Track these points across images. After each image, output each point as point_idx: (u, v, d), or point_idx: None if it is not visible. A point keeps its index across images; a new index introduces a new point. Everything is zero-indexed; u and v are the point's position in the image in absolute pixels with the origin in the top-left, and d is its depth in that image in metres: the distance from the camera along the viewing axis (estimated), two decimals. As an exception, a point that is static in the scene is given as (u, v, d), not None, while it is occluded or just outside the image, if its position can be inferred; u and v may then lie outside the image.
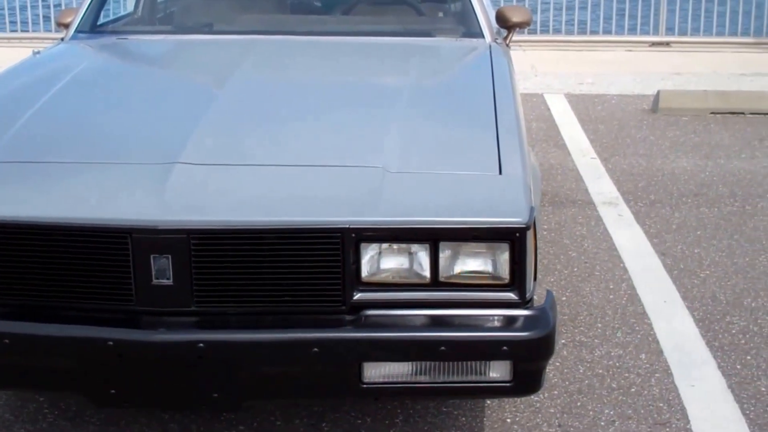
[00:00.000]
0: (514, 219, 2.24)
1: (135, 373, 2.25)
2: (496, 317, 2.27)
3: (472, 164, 2.46)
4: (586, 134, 6.11)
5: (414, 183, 2.36)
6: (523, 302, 2.29)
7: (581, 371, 3.16)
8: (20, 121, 2.68)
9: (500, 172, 2.40)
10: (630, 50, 9.05)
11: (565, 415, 2.90)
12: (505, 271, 2.27)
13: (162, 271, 2.23)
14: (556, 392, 3.02)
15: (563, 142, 5.93)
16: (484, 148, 2.51)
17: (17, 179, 2.44)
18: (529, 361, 2.27)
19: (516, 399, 2.95)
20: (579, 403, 2.97)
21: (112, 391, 2.28)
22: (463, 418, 2.87)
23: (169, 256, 2.22)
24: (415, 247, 2.27)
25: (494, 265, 2.28)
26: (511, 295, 2.28)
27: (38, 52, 3.48)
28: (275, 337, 2.22)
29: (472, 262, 2.28)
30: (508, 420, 2.87)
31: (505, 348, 2.23)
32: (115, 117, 2.80)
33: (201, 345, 2.20)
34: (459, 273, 2.29)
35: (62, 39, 3.70)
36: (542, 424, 2.85)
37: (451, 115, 2.83)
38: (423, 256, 2.27)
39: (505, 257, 2.26)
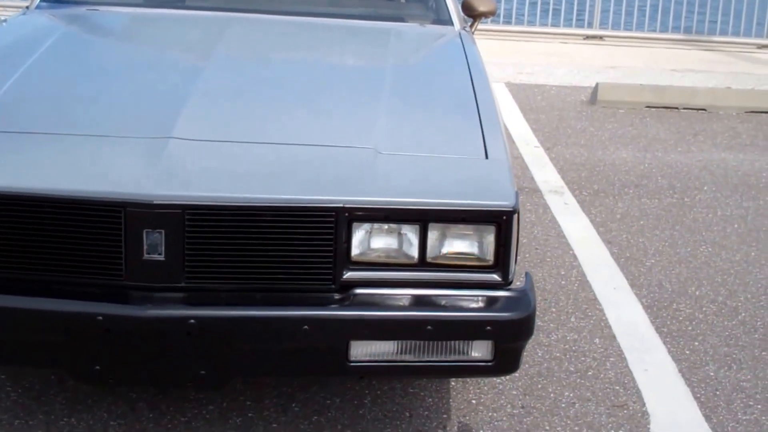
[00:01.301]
0: (501, 202, 2.31)
1: (122, 349, 2.24)
2: (480, 298, 2.33)
3: (459, 148, 2.51)
4: (528, 123, 6.24)
5: (405, 165, 2.41)
6: (506, 284, 2.36)
7: (540, 355, 3.25)
8: (0, 91, 2.61)
9: (486, 157, 2.46)
10: (565, 42, 9.23)
11: (527, 397, 2.99)
12: (490, 253, 2.34)
13: (154, 246, 2.22)
14: (517, 375, 3.10)
15: (507, 131, 6.04)
16: (469, 133, 2.57)
17: (4, 149, 2.38)
18: (511, 341, 2.34)
19: (480, 381, 3.03)
20: (540, 386, 3.06)
21: (97, 367, 2.26)
22: (430, 399, 2.93)
23: (162, 231, 2.21)
24: (404, 228, 2.32)
25: (480, 247, 2.34)
26: (494, 277, 2.35)
27: (5, 21, 3.38)
28: (267, 314, 2.24)
29: (458, 244, 2.34)
30: (473, 401, 2.95)
31: (488, 328, 2.29)
32: (100, 89, 2.75)
33: (192, 321, 2.20)
34: (446, 254, 2.35)
35: (27, 7, 3.60)
36: (506, 405, 2.94)
37: (435, 99, 2.88)
38: (412, 237, 2.32)
39: (490, 239, 2.33)
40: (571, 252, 4.15)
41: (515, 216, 2.32)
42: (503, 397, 2.98)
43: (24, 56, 2.92)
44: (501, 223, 2.31)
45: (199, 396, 2.85)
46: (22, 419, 2.72)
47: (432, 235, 2.33)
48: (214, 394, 2.86)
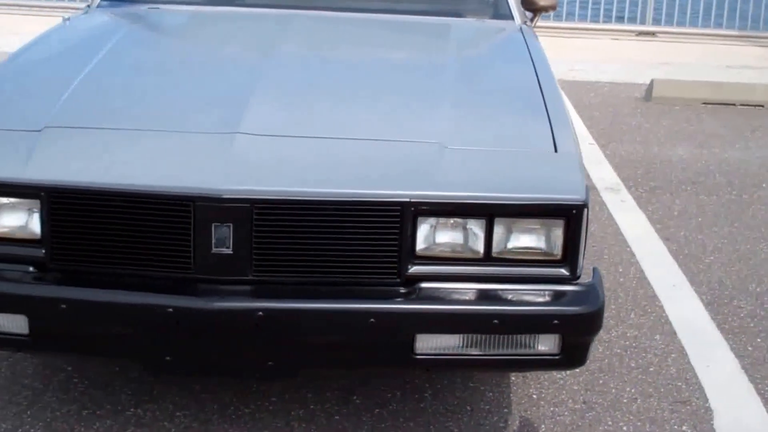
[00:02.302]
0: (572, 196, 2.30)
1: (192, 340, 2.28)
2: (547, 292, 2.33)
3: (527, 141, 2.50)
4: (582, 120, 6.19)
5: (471, 159, 2.41)
6: (574, 278, 2.35)
7: (600, 350, 3.23)
8: (70, 88, 2.66)
9: (555, 150, 2.45)
10: (616, 39, 9.15)
11: (588, 392, 2.98)
12: (557, 248, 2.33)
13: (222, 239, 2.25)
14: (578, 370, 3.08)
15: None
16: (537, 126, 2.55)
17: (76, 144, 2.43)
18: (579, 335, 2.34)
19: (540, 376, 3.03)
20: (601, 381, 3.04)
21: (167, 358, 2.30)
22: (491, 394, 2.93)
23: (231, 225, 2.24)
24: (470, 222, 2.32)
25: (547, 241, 2.34)
26: (562, 271, 2.35)
27: (68, 19, 3.44)
28: (334, 307, 2.26)
29: (525, 238, 2.33)
30: (534, 396, 2.94)
31: (556, 322, 2.29)
32: (166, 86, 2.80)
33: (260, 313, 2.23)
34: (512, 248, 2.34)
35: (88, 6, 3.66)
36: (567, 401, 2.93)
37: (500, 93, 2.87)
38: (478, 231, 2.32)
39: (558, 234, 2.32)
40: (628, 249, 4.11)
41: (585, 210, 2.31)
42: (564, 392, 2.97)
43: (89, 55, 2.97)
44: (570, 217, 2.30)
45: (261, 388, 2.88)
46: (90, 409, 2.77)
47: (498, 230, 2.32)
48: (276, 386, 2.89)
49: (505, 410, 2.86)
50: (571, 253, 2.32)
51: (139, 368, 2.83)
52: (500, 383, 2.98)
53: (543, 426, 2.79)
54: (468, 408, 2.86)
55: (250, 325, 2.25)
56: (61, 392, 2.86)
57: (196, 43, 3.38)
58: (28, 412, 2.75)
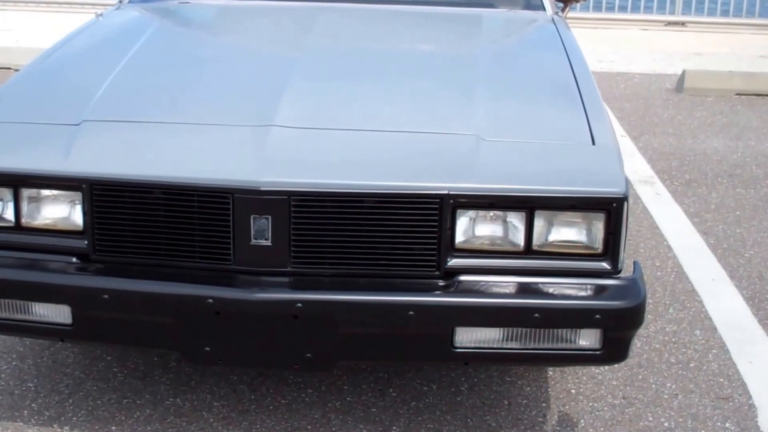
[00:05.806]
0: (612, 189, 2.27)
1: (231, 331, 2.27)
2: (589, 286, 2.30)
3: (564, 134, 2.47)
4: (612, 112, 6.12)
5: (508, 151, 2.38)
6: (615, 272, 2.32)
7: (639, 345, 3.19)
8: (106, 83, 2.66)
9: (593, 143, 2.42)
10: (645, 29, 9.05)
11: (628, 388, 2.94)
12: (598, 241, 2.30)
13: (261, 231, 2.25)
14: (617, 365, 3.05)
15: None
16: (574, 119, 2.53)
17: (114, 137, 2.43)
18: (621, 329, 2.31)
19: (579, 371, 2.99)
20: (641, 377, 3.01)
21: (207, 349, 2.30)
22: (528, 388, 2.91)
23: (269, 217, 2.24)
24: (509, 215, 2.30)
25: (588, 234, 2.31)
26: (603, 265, 2.32)
27: (101, 15, 3.45)
28: (373, 299, 2.25)
29: (566, 231, 2.31)
30: (573, 391, 2.91)
31: (598, 316, 2.26)
32: (200, 80, 2.79)
33: (299, 305, 2.22)
34: (552, 242, 2.32)
35: (120, 1, 3.66)
36: (606, 396, 2.89)
37: (535, 85, 2.85)
38: (518, 224, 2.30)
39: (599, 227, 2.29)
40: (665, 243, 4.06)
41: (625, 203, 2.28)
42: (603, 387, 2.93)
43: (123, 50, 2.96)
44: (611, 210, 2.27)
45: (298, 379, 2.87)
46: (130, 399, 2.78)
47: (538, 223, 2.30)
48: (313, 378, 2.88)
49: (544, 405, 2.83)
50: (612, 247, 2.29)
51: (178, 358, 2.84)
52: (538, 378, 2.95)
53: (582, 421, 2.76)
54: (505, 402, 2.83)
55: (289, 316, 2.24)
56: (102, 381, 2.86)
57: (228, 36, 3.36)
58: (70, 401, 2.76)
